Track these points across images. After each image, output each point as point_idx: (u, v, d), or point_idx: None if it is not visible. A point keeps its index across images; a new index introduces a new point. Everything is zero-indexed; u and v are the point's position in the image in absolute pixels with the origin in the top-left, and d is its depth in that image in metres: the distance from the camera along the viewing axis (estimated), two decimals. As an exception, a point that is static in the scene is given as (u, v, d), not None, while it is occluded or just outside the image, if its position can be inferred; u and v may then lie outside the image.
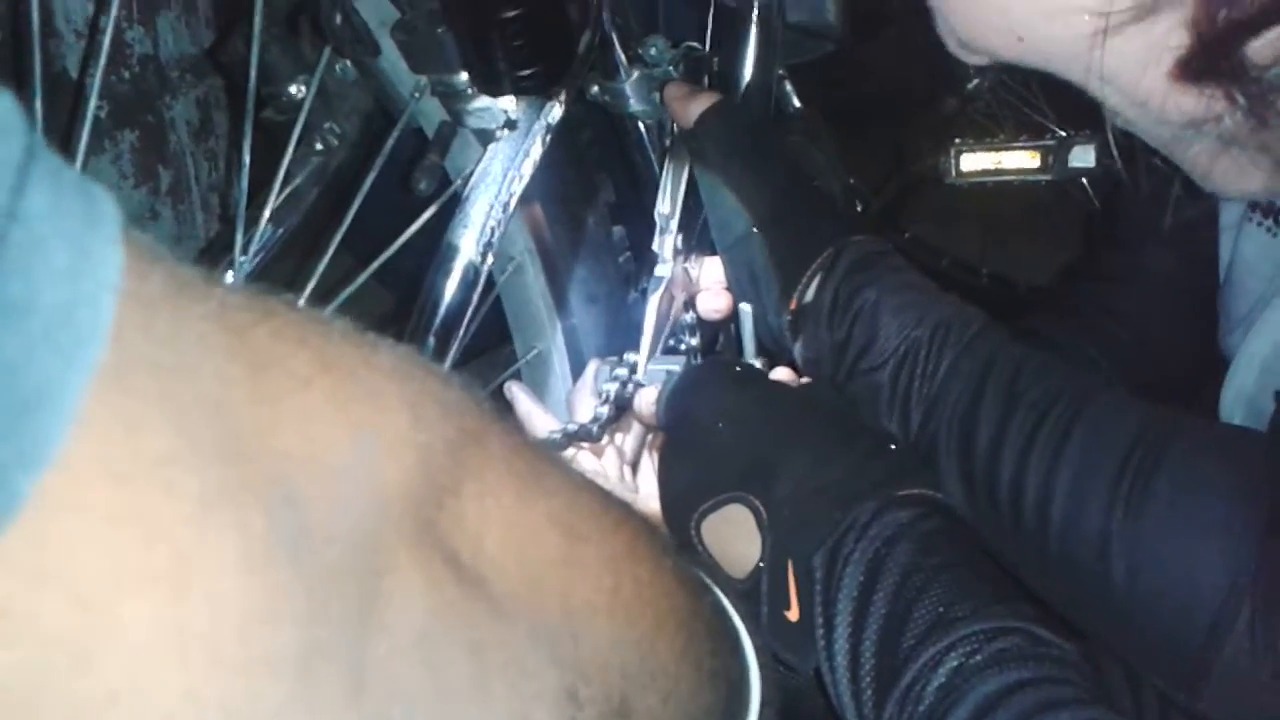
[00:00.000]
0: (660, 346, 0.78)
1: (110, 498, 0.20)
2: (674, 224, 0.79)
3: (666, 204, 0.79)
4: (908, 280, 0.69)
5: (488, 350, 1.03)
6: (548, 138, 0.78)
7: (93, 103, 0.74)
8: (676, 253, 0.78)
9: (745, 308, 0.76)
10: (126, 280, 0.21)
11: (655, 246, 0.78)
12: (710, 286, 0.81)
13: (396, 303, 1.21)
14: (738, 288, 0.77)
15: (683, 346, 0.83)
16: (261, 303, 0.26)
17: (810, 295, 0.70)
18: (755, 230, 0.73)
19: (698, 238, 0.81)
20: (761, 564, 0.57)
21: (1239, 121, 0.47)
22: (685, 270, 0.80)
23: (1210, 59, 0.45)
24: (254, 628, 0.22)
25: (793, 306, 0.71)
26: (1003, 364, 0.63)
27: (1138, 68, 0.48)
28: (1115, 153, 0.56)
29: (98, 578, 0.20)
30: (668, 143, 0.91)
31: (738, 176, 0.75)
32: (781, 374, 0.74)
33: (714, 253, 0.81)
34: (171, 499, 0.21)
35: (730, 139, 0.77)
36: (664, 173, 0.81)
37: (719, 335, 0.93)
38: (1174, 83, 0.47)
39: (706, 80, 0.91)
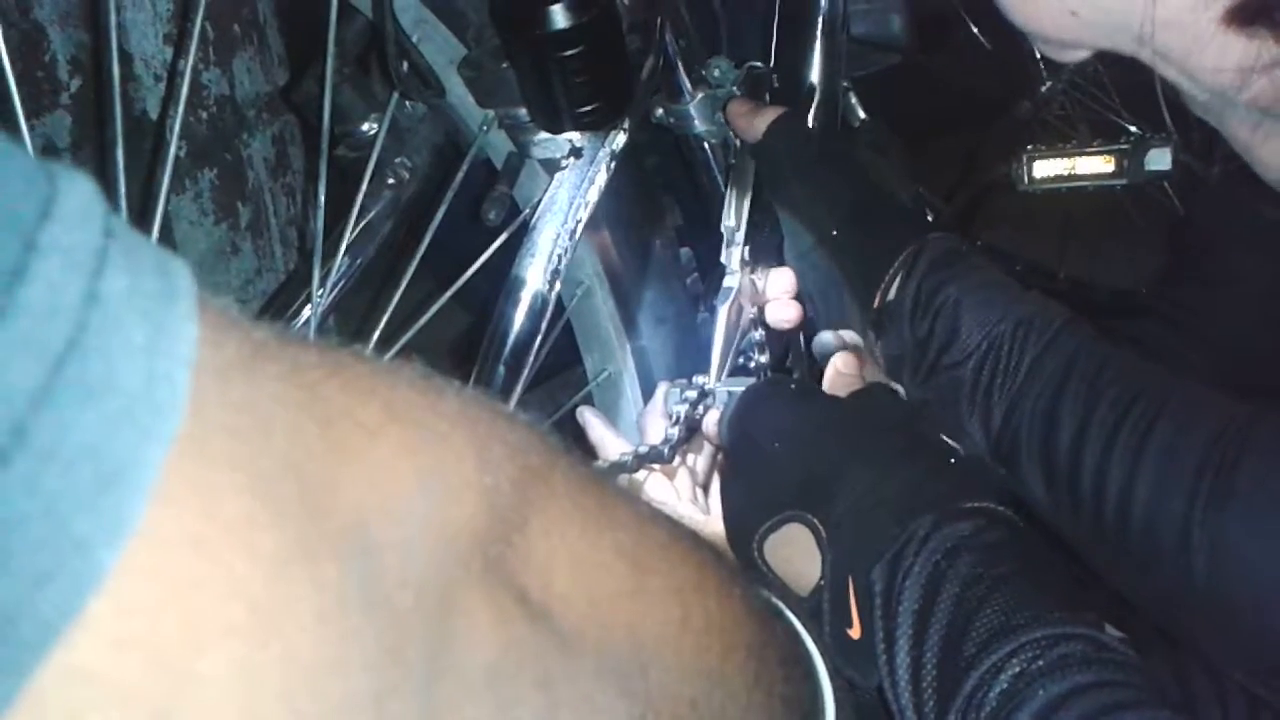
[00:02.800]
0: (731, 363, 0.78)
1: (189, 562, 0.21)
2: (740, 236, 0.79)
3: (732, 217, 0.80)
4: (989, 278, 0.69)
5: (561, 371, 1.05)
6: (613, 165, 0.79)
7: (173, 144, 0.76)
8: (744, 264, 0.79)
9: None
10: (202, 351, 0.22)
11: (723, 258, 0.79)
12: (778, 297, 0.81)
13: (473, 322, 1.23)
14: (813, 296, 0.78)
15: (752, 364, 0.83)
16: (332, 356, 0.27)
17: (892, 294, 0.71)
18: (834, 234, 0.73)
19: (764, 249, 0.82)
20: (822, 582, 0.57)
21: None
22: (753, 281, 0.80)
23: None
24: (328, 677, 0.23)
25: (875, 305, 0.71)
26: (1085, 360, 0.63)
27: (1189, 14, 0.48)
28: (1192, 153, 0.56)
29: (177, 639, 0.21)
30: (732, 159, 0.92)
31: (808, 185, 0.76)
32: (842, 364, 0.72)
33: (781, 264, 0.81)
34: (248, 559, 0.22)
35: (797, 150, 0.78)
36: (729, 187, 0.82)
37: (788, 351, 0.93)
38: (1224, 28, 0.47)
39: (769, 98, 0.92)
